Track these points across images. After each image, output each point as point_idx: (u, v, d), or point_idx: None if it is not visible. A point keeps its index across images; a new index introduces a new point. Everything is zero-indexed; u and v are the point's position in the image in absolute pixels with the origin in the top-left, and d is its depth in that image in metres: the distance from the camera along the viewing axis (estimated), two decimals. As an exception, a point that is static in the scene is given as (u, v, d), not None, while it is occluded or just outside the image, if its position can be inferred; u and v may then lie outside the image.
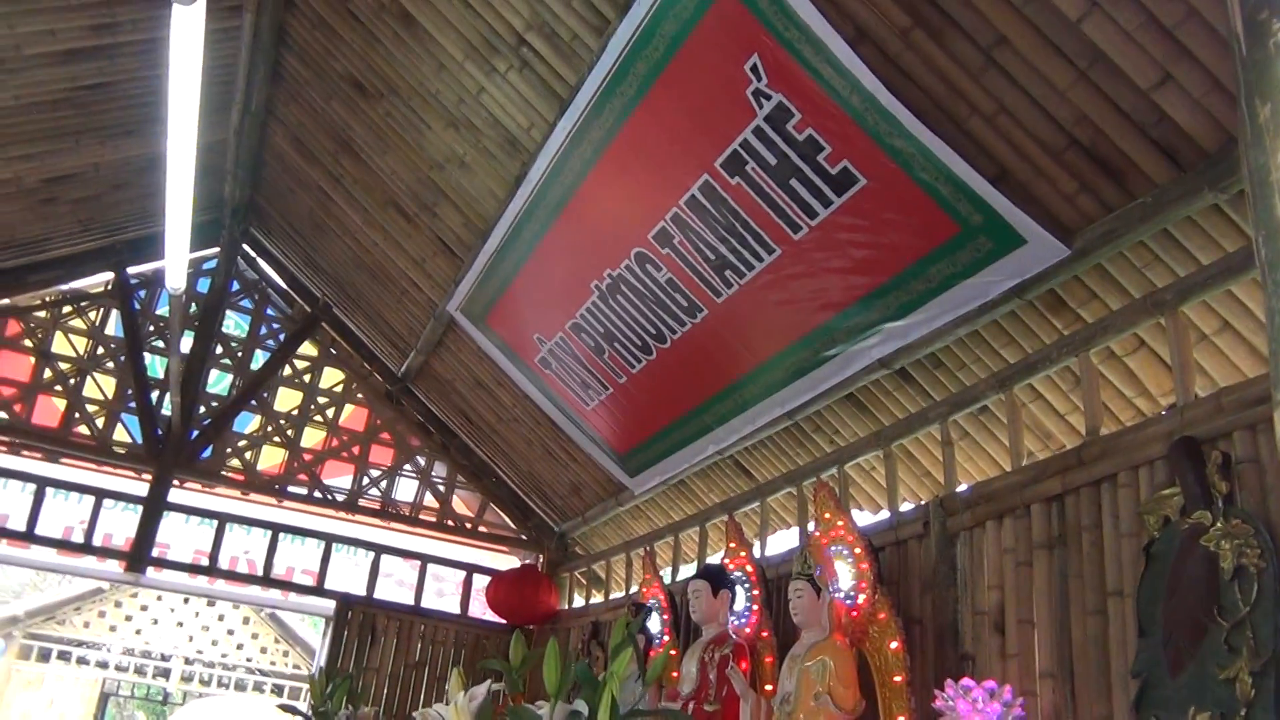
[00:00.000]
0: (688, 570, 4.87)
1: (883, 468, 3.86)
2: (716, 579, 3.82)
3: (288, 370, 6.38)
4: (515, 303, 4.92)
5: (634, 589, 5.30)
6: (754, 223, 3.49)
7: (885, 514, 3.80)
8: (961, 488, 3.38)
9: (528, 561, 6.52)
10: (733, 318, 3.93)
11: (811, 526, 3.60)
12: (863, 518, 3.99)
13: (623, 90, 3.50)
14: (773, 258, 3.55)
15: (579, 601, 6.30)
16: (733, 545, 3.98)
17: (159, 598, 16.36)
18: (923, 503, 3.58)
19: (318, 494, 6.22)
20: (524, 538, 6.58)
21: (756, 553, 4.24)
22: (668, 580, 4.98)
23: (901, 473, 3.84)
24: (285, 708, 4.44)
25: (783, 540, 4.58)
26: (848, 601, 3.24)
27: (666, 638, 4.36)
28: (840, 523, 3.40)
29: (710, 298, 3.91)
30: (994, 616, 2.99)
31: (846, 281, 3.45)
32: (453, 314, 5.32)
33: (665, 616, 4.43)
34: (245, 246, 6.38)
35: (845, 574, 3.31)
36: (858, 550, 3.29)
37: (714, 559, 4.37)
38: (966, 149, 2.85)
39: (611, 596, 5.84)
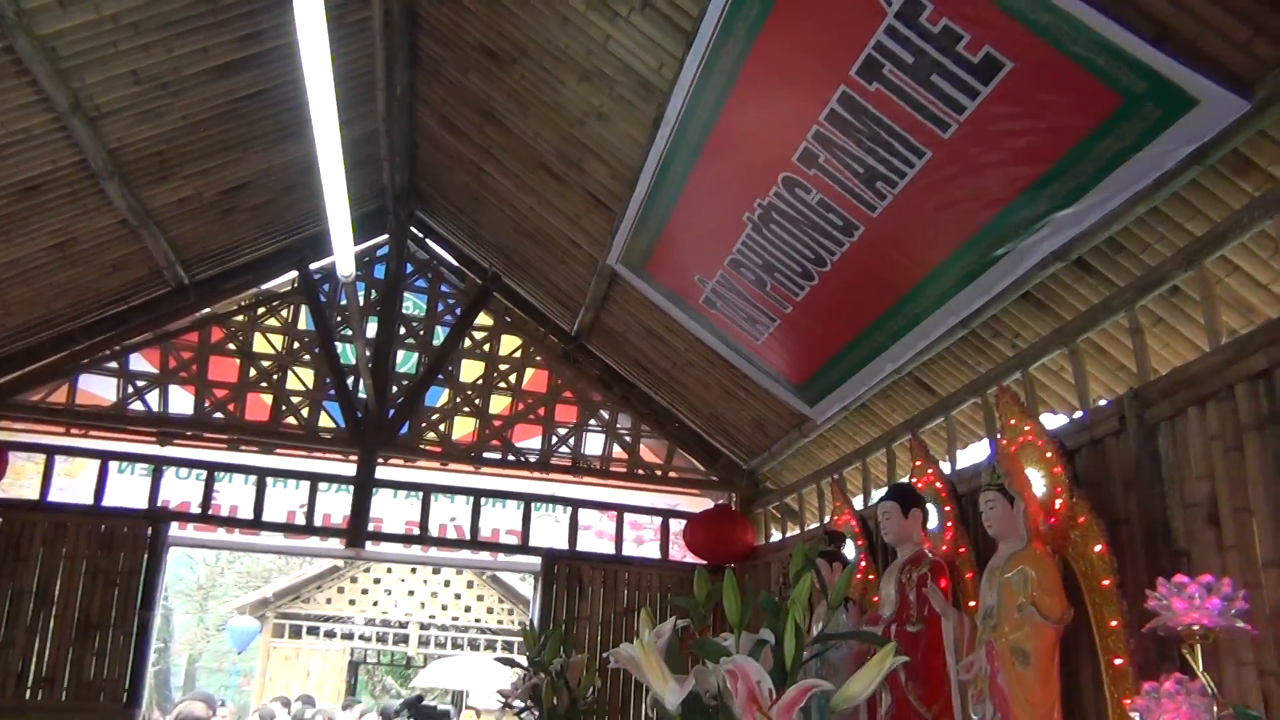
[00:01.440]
0: (879, 495, 4.78)
1: (1070, 366, 3.67)
2: (906, 498, 3.74)
3: (468, 342, 6.60)
4: (672, 247, 4.91)
5: (827, 519, 5.26)
6: (899, 127, 3.34)
7: (1078, 414, 3.61)
8: (1158, 376, 3.18)
9: (721, 502, 6.56)
10: (891, 230, 3.79)
11: (999, 435, 3.46)
12: (1054, 421, 3.81)
13: (745, 13, 3.41)
14: (924, 161, 3.39)
15: (776, 536, 6.30)
16: (919, 464, 3.89)
17: (389, 570, 17.40)
18: (1116, 396, 3.38)
19: (511, 457, 6.44)
20: (714, 479, 6.62)
21: (946, 468, 4.12)
22: (859, 506, 4.92)
23: (1090, 368, 3.63)
24: (504, 660, 4.66)
25: (972, 453, 4.43)
26: (1044, 508, 3.12)
27: (863, 563, 4.31)
28: (1028, 428, 3.26)
29: (865, 213, 3.78)
30: (1206, 508, 2.80)
31: (1007, 175, 3.27)
32: (614, 267, 5.37)
33: (859, 543, 4.38)
34: (412, 229, 6.61)
35: (1038, 480, 3.17)
36: (1049, 454, 3.15)
37: (903, 480, 4.27)
38: (1119, 11, 2.63)
39: (807, 528, 5.81)
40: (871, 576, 4.20)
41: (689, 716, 2.02)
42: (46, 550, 5.60)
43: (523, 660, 4.45)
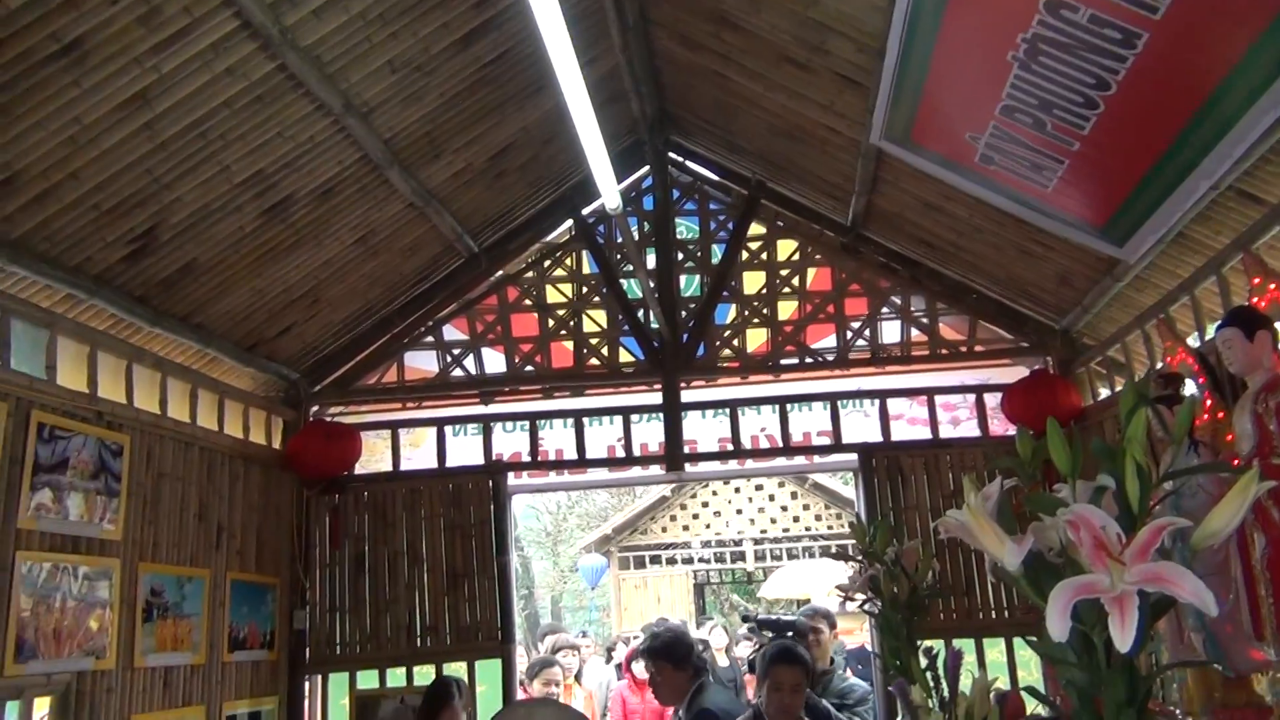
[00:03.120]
0: (1215, 327, 4.34)
1: None
2: (1248, 321, 3.36)
3: (745, 254, 6.59)
4: (935, 110, 4.63)
5: (1159, 365, 4.85)
6: (1171, -90, 2.95)
7: None
8: None
9: (1037, 367, 6.20)
10: (1179, 30, 3.37)
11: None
12: None
13: None
14: (1208, -60, 2.99)
15: (1104, 393, 5.89)
16: (1257, 281, 3.48)
17: (714, 493, 17.95)
18: None
19: (808, 360, 6.40)
20: (1024, 345, 6.27)
21: (1292, 281, 3.66)
22: (1194, 344, 4.49)
23: None
24: (836, 555, 4.68)
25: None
26: None
27: (1208, 402, 3.94)
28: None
29: (1146, 18, 3.38)
30: None
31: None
32: (878, 145, 5.14)
33: (1201, 380, 4.00)
34: (671, 155, 6.65)
35: None
36: None
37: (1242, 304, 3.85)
38: None
39: (1137, 380, 5.37)
40: (1220, 415, 3.83)
41: (1033, 577, 1.93)
42: (408, 514, 6.20)
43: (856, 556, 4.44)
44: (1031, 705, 3.63)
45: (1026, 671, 5.57)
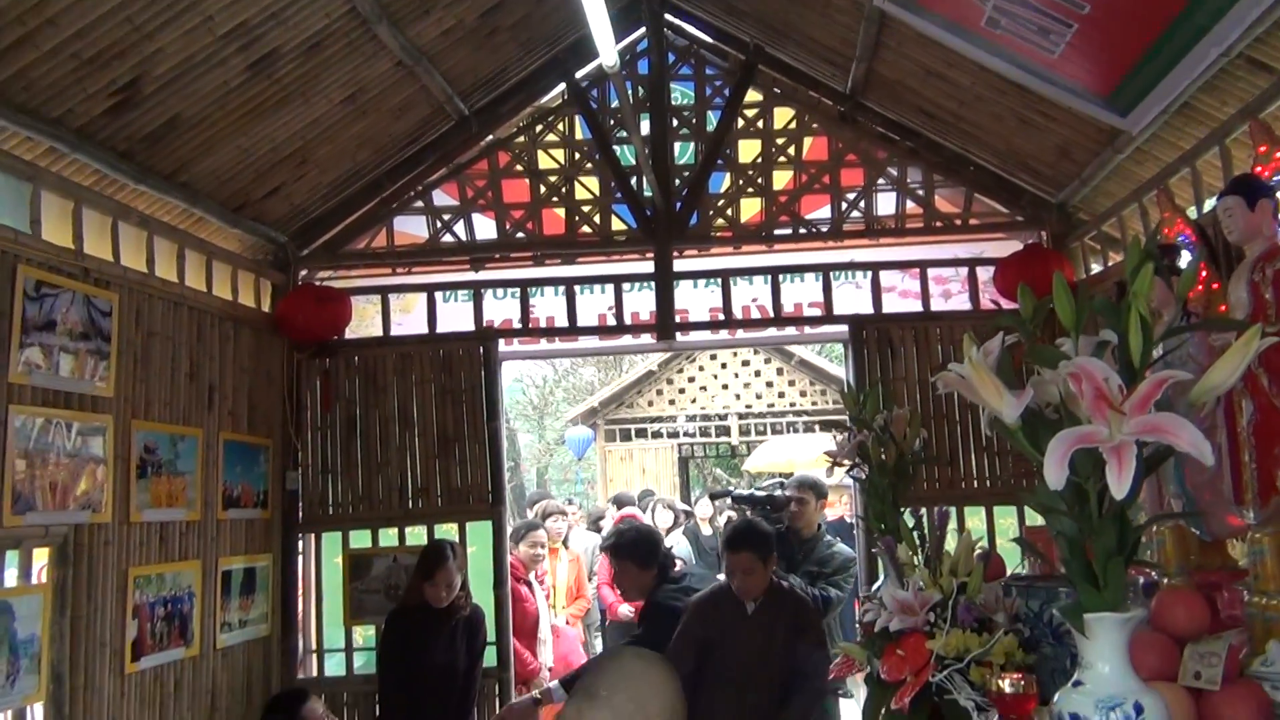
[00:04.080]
0: (1214, 201, 4.30)
1: None
2: (1251, 189, 3.32)
3: (741, 122, 6.46)
4: (943, -31, 4.49)
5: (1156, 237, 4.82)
6: None
7: None
8: None
9: (1030, 241, 6.17)
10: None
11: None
12: None
13: None
14: None
15: (1096, 268, 5.88)
16: (1263, 149, 3.43)
17: (701, 368, 18.08)
18: None
19: (802, 230, 6.35)
20: (1019, 219, 6.23)
21: (1297, 151, 3.61)
22: (1193, 216, 4.46)
23: None
24: (828, 424, 4.73)
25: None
26: None
27: (1204, 274, 3.93)
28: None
29: None
30: None
31: None
32: (881, 7, 5.00)
33: (1197, 251, 3.99)
34: (667, 16, 6.45)
35: None
36: None
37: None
38: None
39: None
40: (1215, 286, 3.83)
41: (1030, 431, 1.94)
42: (398, 379, 6.22)
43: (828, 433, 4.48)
44: (1012, 565, 3.73)
45: (1005, 539, 5.71)
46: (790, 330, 6.58)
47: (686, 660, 4.36)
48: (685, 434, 18.46)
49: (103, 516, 4.24)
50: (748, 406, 17.94)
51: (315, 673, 6.04)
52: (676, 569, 5.22)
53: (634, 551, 4.87)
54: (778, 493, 5.66)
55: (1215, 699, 2.09)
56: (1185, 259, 4.00)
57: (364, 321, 6.51)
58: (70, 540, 4.08)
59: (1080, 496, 1.86)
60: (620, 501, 10.64)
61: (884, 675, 2.88)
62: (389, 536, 6.08)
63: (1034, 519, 5.63)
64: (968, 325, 6.01)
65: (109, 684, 4.25)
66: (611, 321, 6.38)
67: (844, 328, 6.16)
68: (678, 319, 6.25)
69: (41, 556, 4.04)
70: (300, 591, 6.05)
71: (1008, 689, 2.20)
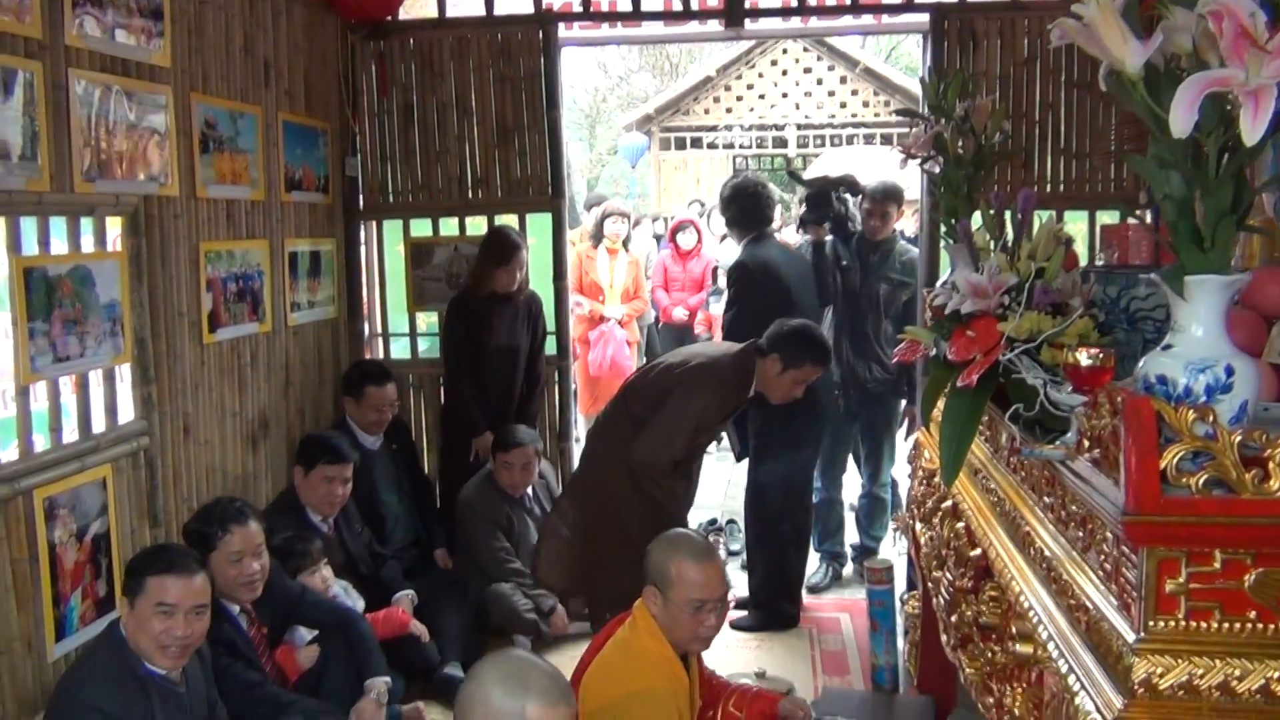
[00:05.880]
0: None
1: None
2: None
3: None
4: None
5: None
6: None
7: None
8: None
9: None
10: None
11: None
12: None
13: None
14: None
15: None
16: None
17: (760, 75, 17.42)
18: None
19: (884, -87, 5.84)
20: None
21: None
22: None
23: None
24: (903, 112, 4.54)
25: None
26: None
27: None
28: None
29: None
30: None
31: None
32: None
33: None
34: None
35: None
36: None
37: None
38: None
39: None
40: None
41: (1151, 83, 1.81)
42: (455, 64, 6.01)
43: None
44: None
45: (1077, 243, 5.60)
46: (867, 19, 6.17)
47: None
48: (740, 145, 18.08)
49: (170, 190, 4.25)
50: (806, 117, 17.43)
51: (381, 354, 6.25)
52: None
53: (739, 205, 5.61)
54: (849, 175, 5.76)
55: (1300, 376, 2.08)
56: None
57: (417, 2, 6.23)
58: (140, 211, 4.11)
59: (1195, 155, 1.76)
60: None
61: (951, 356, 2.89)
62: (449, 226, 6.10)
63: (1110, 218, 5.51)
64: (1058, 16, 5.64)
65: (189, 352, 4.42)
66: (677, 5, 6.03)
67: (924, 17, 5.77)
68: (747, 4, 5.88)
69: (114, 226, 4.09)
70: (364, 278, 6.16)
71: (1085, 361, 2.18)
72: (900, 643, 4.72)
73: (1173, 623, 1.72)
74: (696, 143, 18.17)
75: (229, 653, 3.60)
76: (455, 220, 6.08)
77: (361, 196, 6.04)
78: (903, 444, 5.65)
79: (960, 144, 4.02)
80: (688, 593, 3.09)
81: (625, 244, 8.60)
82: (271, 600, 3.92)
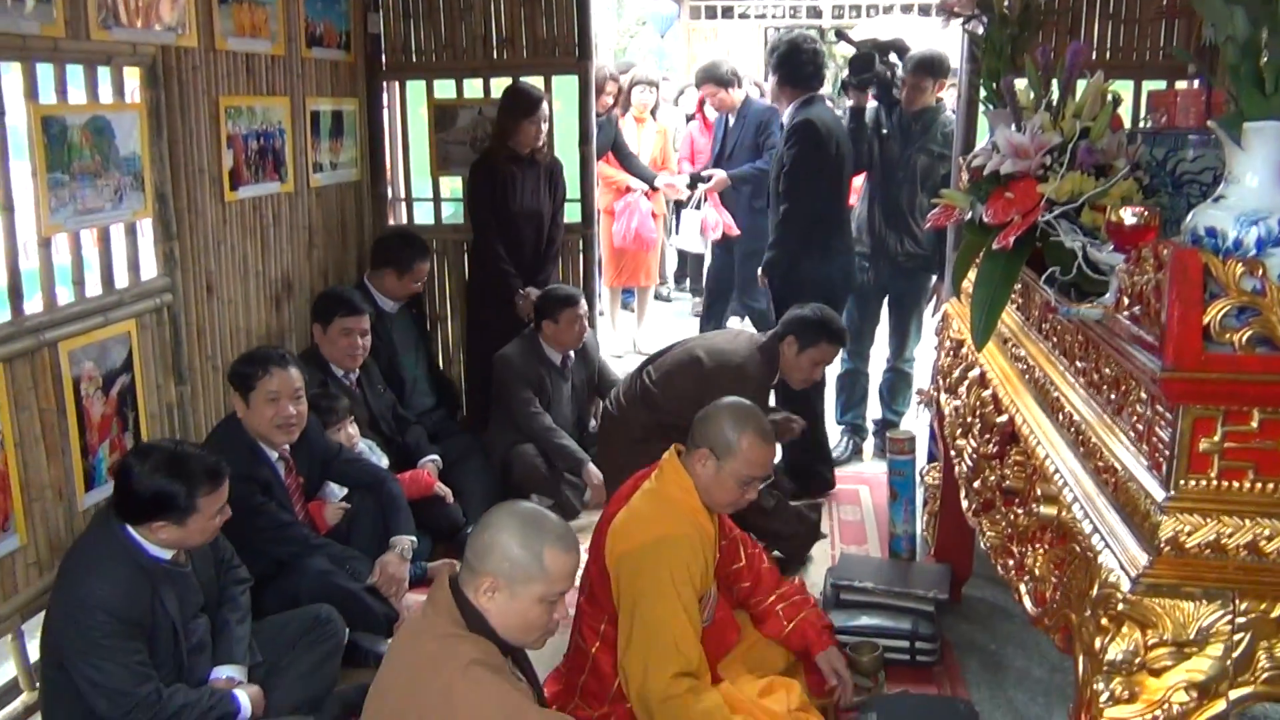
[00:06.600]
0: None
1: None
2: None
3: None
4: None
5: None
6: None
7: None
8: None
9: None
10: None
11: None
12: None
13: None
14: None
15: None
16: None
17: (795, -59, 16.73)
18: None
19: None
20: None
21: None
22: None
23: None
24: (946, -34, 4.33)
25: None
26: None
27: None
28: None
29: None
30: None
31: None
32: None
33: None
34: None
35: None
36: None
37: None
38: None
39: None
40: None
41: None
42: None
43: None
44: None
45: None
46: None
47: None
48: (773, 15, 17.49)
49: (188, 40, 4.14)
50: (843, -12, 16.79)
51: (405, 219, 6.18)
52: None
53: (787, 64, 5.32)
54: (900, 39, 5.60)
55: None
56: None
57: None
58: (159, 62, 4.01)
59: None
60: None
61: (988, 218, 2.81)
62: (474, 88, 5.94)
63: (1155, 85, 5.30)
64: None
65: (211, 209, 4.37)
66: None
67: None
68: None
69: (132, 77, 4.00)
70: (386, 140, 6.05)
71: (1129, 219, 2.10)
72: (919, 513, 4.74)
73: (1204, 482, 1.69)
74: (728, 12, 17.57)
75: (264, 492, 3.70)
76: (479, 82, 5.92)
77: (384, 55, 5.89)
78: (930, 321, 5.57)
79: (1006, 2, 3.85)
80: (745, 468, 3.08)
81: (653, 113, 8.39)
82: (309, 452, 4.02)
